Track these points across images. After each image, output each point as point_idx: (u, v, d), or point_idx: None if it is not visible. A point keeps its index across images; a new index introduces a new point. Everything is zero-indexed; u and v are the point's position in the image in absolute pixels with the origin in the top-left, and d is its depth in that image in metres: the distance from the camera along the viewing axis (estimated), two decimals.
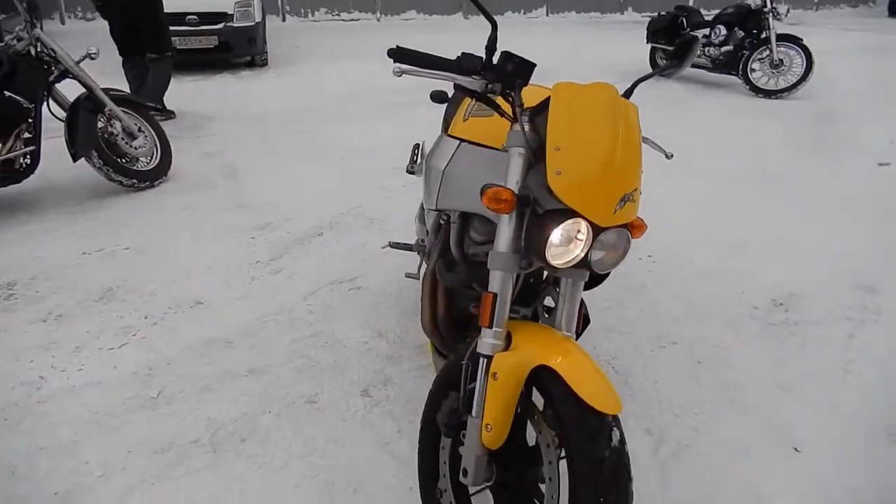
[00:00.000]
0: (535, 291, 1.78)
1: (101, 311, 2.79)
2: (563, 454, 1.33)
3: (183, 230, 3.64)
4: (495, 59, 1.44)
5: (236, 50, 8.30)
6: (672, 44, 7.97)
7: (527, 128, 1.39)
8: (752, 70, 7.23)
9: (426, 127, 5.96)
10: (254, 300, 2.89)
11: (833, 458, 1.98)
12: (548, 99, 1.38)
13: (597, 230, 1.33)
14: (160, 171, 4.42)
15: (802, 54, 6.96)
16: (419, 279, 2.34)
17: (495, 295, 1.40)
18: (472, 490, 1.61)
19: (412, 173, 2.63)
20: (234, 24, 8.13)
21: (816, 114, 6.38)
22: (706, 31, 7.79)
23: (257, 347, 2.53)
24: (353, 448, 2.00)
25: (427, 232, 2.31)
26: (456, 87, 1.45)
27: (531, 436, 1.46)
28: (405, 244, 2.58)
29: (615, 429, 1.28)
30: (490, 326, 1.41)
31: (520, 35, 11.51)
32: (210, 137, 5.52)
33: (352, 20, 14.44)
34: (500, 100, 1.47)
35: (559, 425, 1.31)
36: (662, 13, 8.40)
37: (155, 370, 2.38)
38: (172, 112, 6.06)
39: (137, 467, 1.93)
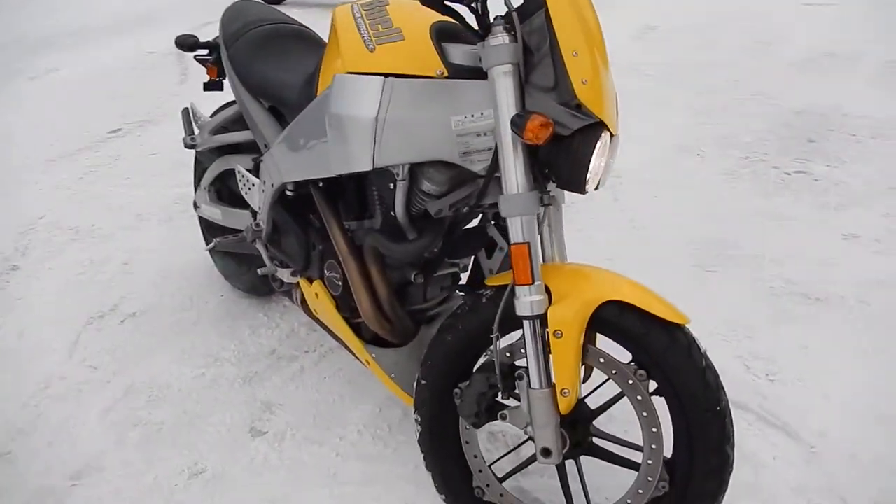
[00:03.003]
0: (470, 237, 1.57)
1: None
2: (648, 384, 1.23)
3: None
4: None
5: None
6: None
7: (507, 39, 1.16)
8: None
9: None
10: None
11: None
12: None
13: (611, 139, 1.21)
14: None
15: None
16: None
17: (528, 244, 1.18)
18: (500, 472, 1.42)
19: (193, 146, 2.04)
20: None
21: None
22: None
23: (57, 444, 1.78)
24: (302, 498, 1.58)
25: (255, 213, 1.86)
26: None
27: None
28: (233, 237, 2.02)
29: (694, 337, 1.23)
30: (532, 282, 1.19)
31: None
32: None
33: None
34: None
35: (646, 354, 1.20)
36: None
37: None
38: None
39: None
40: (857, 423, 1.72)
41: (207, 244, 2.21)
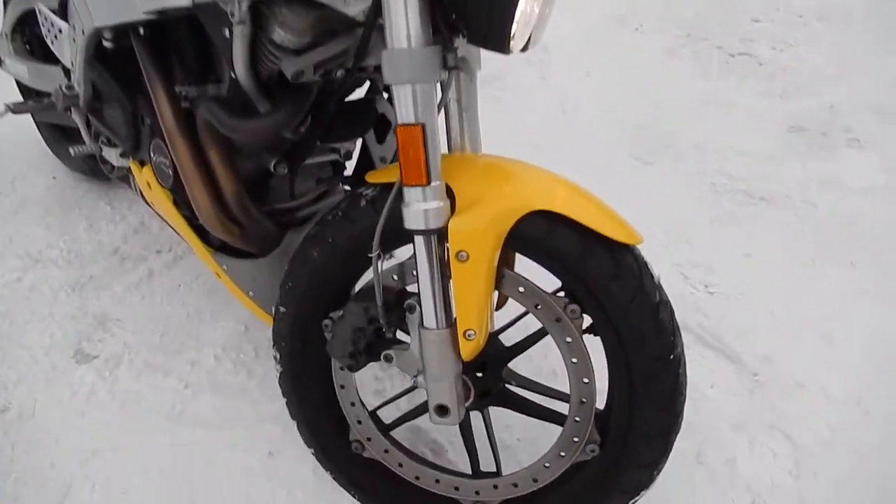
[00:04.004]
0: (352, 114, 1.16)
1: None
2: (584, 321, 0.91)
3: None
4: None
5: None
6: None
7: None
8: None
9: None
10: None
11: None
12: None
13: None
14: None
15: None
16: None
17: (422, 126, 0.80)
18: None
19: None
20: None
21: None
22: None
23: None
24: (134, 446, 1.23)
25: (68, 70, 1.37)
26: None
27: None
28: (35, 104, 1.51)
29: (646, 262, 0.91)
30: (427, 181, 0.82)
31: None
32: None
33: None
34: None
35: (582, 284, 0.88)
36: None
37: None
38: None
39: None
40: (804, 345, 1.50)
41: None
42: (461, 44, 0.85)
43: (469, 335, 0.88)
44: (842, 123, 2.42)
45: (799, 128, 2.38)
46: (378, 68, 0.91)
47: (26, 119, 1.91)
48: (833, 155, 2.25)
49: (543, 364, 1.39)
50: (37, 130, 1.90)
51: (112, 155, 1.38)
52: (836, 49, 2.93)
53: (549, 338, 0.96)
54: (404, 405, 1.21)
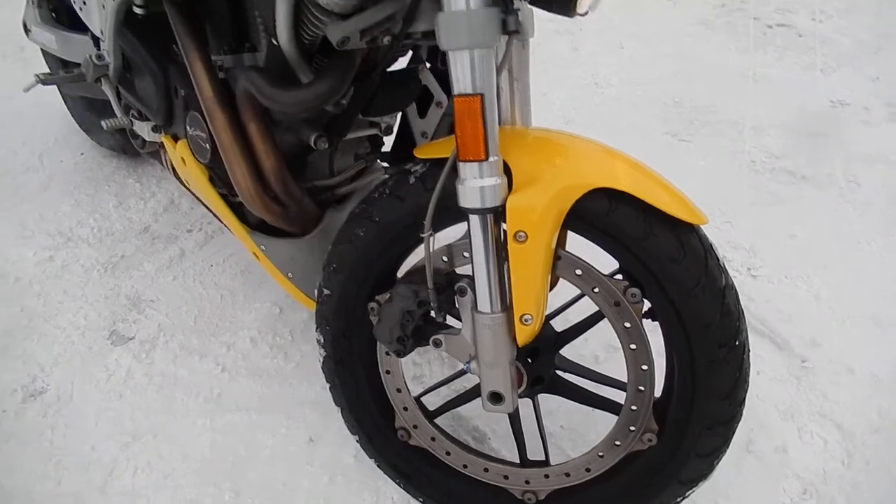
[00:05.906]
0: (395, 86, 1.11)
1: None
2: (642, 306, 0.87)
3: None
4: None
5: None
6: None
7: None
8: None
9: None
10: None
11: None
12: None
13: None
14: None
15: None
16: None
17: (482, 97, 0.76)
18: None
19: None
20: None
21: None
22: None
23: None
24: (173, 430, 1.21)
25: (98, 39, 1.34)
26: None
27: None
28: (65, 75, 1.47)
29: (712, 244, 0.86)
30: (485, 156, 0.78)
31: None
32: None
33: None
34: None
35: (643, 266, 0.83)
36: None
37: None
38: None
39: None
40: (853, 330, 1.45)
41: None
42: (521, 5, 0.80)
43: (526, 320, 0.85)
44: (885, 97, 2.34)
45: (840, 103, 2.31)
46: (426, 35, 0.87)
47: (51, 92, 1.88)
48: (876, 131, 2.18)
49: (584, 349, 1.36)
50: (63, 104, 1.88)
51: (144, 129, 1.34)
52: (878, 20, 2.84)
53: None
54: (445, 392, 1.18)
